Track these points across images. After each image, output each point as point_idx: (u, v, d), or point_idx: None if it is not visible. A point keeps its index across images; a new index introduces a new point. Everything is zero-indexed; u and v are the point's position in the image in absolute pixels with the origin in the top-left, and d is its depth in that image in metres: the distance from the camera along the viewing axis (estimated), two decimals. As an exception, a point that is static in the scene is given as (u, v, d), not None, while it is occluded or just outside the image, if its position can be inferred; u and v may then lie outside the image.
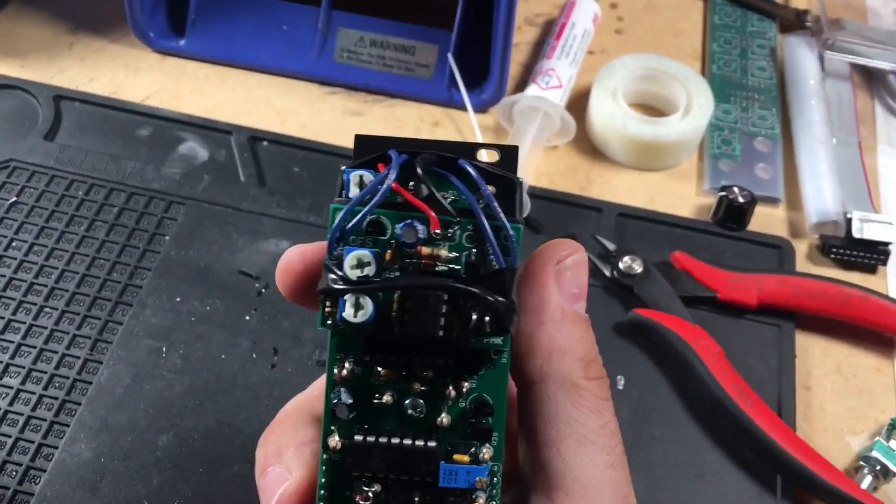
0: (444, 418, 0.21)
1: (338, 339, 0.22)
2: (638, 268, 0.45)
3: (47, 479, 0.38)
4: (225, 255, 0.46)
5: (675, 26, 0.61)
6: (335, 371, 0.22)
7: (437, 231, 0.21)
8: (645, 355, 0.43)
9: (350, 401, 0.21)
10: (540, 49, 0.57)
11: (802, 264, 0.48)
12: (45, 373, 0.41)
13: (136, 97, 0.53)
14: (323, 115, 0.54)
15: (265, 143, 0.51)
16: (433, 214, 0.20)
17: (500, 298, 0.20)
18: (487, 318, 0.20)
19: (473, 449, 0.22)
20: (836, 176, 0.50)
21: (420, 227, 0.20)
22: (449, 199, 0.21)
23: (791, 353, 0.43)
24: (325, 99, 0.55)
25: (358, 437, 0.21)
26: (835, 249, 0.47)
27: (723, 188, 0.48)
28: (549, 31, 0.57)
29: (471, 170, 0.21)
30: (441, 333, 0.20)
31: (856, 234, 0.47)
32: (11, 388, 0.40)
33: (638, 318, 0.43)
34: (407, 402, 0.22)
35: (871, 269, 0.48)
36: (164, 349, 0.42)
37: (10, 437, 0.39)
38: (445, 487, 0.21)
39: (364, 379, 0.22)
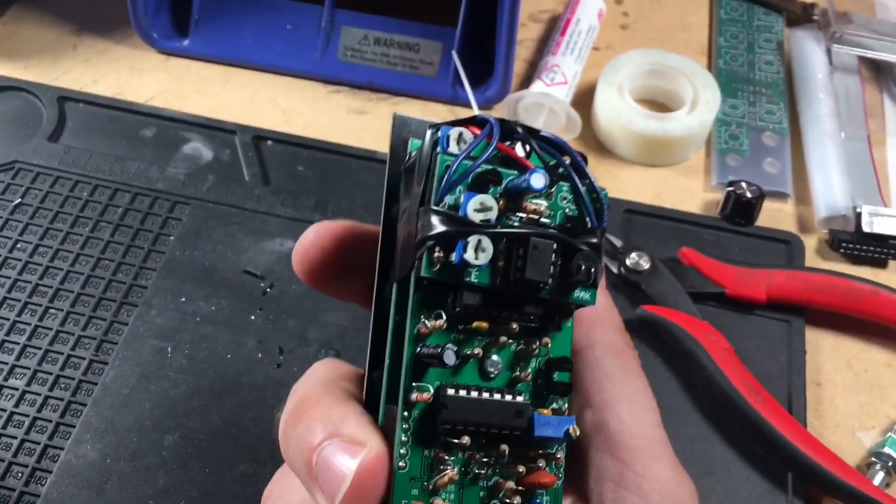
0: (527, 373, 0.22)
1: (422, 294, 0.21)
2: (645, 264, 0.44)
3: (53, 480, 0.38)
4: (230, 254, 0.45)
5: (681, 21, 0.60)
6: (419, 325, 0.21)
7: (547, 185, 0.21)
8: (653, 352, 0.43)
9: (455, 349, 0.21)
10: (545, 45, 0.56)
11: (812, 259, 0.47)
12: (51, 374, 0.41)
13: (140, 98, 0.53)
14: (327, 114, 0.53)
15: (269, 142, 0.51)
16: (541, 169, 0.21)
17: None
18: (590, 270, 0.21)
19: (554, 404, 0.22)
20: (845, 170, 0.49)
21: (544, 177, 0.21)
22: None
23: (801, 349, 0.43)
24: (330, 98, 0.54)
25: (450, 391, 0.21)
26: (844, 244, 0.47)
27: (730, 183, 0.48)
28: (554, 28, 0.57)
29: (556, 139, 0.22)
30: (550, 282, 0.21)
31: (865, 228, 0.46)
32: (17, 389, 0.40)
33: (646, 315, 0.43)
34: (488, 356, 0.22)
35: (881, 264, 0.47)
36: (169, 349, 0.42)
37: (15, 438, 0.39)
38: (540, 437, 0.21)
39: (449, 333, 0.22)
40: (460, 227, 0.20)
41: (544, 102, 0.51)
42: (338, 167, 0.50)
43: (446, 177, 0.21)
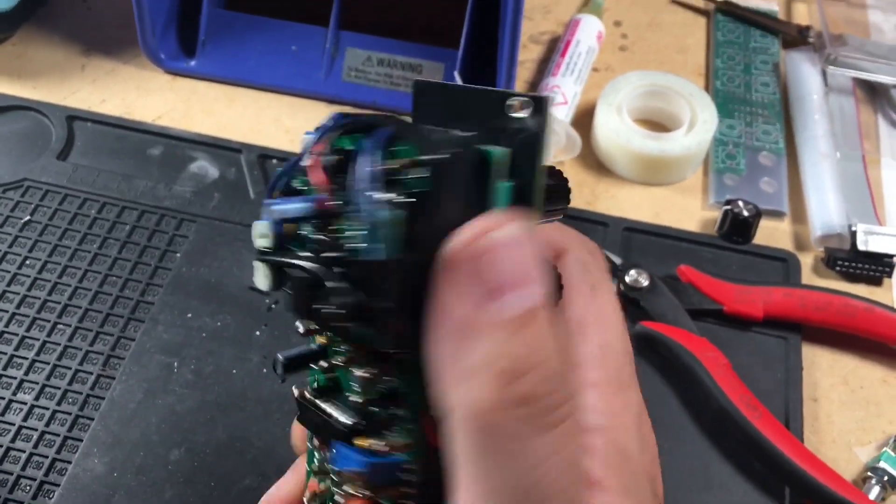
0: (368, 399, 0.21)
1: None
2: (644, 281, 0.45)
3: (61, 493, 0.38)
4: (235, 271, 0.46)
5: (679, 43, 0.61)
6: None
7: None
8: (652, 368, 0.43)
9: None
10: (545, 66, 0.57)
11: (808, 277, 0.48)
12: (59, 388, 0.42)
13: (147, 117, 0.54)
14: (331, 134, 0.54)
15: (274, 160, 0.52)
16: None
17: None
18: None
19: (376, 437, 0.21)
20: (841, 189, 0.50)
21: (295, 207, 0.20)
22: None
23: (798, 365, 0.44)
24: (334, 117, 0.55)
25: (306, 392, 0.22)
26: (840, 262, 0.48)
27: (728, 202, 0.48)
28: (554, 49, 0.58)
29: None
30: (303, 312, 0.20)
31: (861, 246, 0.47)
32: (26, 403, 0.41)
33: (645, 331, 0.44)
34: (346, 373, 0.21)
35: (876, 282, 0.48)
36: (175, 364, 0.43)
37: (24, 452, 0.39)
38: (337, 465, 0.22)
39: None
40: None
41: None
42: (341, 185, 0.51)
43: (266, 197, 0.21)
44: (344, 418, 0.21)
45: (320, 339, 0.22)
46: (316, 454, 0.23)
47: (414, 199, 0.17)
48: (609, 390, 0.20)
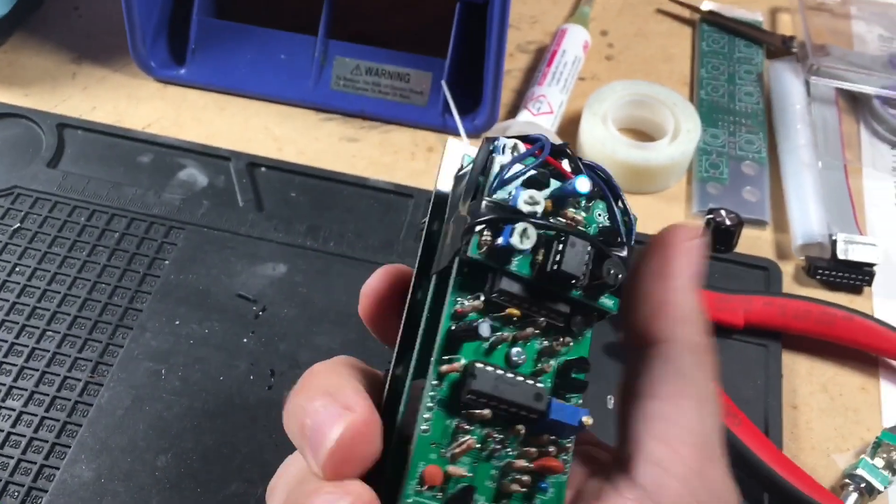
0: (550, 365, 0.24)
1: (461, 278, 0.23)
2: (627, 289, 0.46)
3: (49, 499, 0.39)
4: (223, 278, 0.47)
5: (664, 53, 0.62)
6: (457, 305, 0.23)
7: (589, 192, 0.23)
8: (634, 375, 0.44)
9: (490, 325, 0.23)
10: (531, 75, 0.58)
11: (789, 285, 0.49)
12: (48, 395, 0.42)
13: (137, 125, 0.55)
14: (320, 142, 0.55)
15: (263, 169, 0.52)
16: (586, 180, 0.23)
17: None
18: (617, 276, 0.23)
19: (571, 400, 0.24)
20: (822, 199, 0.51)
21: (589, 182, 0.23)
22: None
23: (778, 373, 0.44)
24: (322, 126, 0.56)
25: (479, 364, 0.22)
26: (820, 271, 0.48)
27: (710, 211, 0.49)
28: (541, 58, 0.58)
29: (597, 165, 0.24)
30: (581, 278, 0.23)
31: (841, 255, 0.48)
32: (14, 410, 0.41)
33: (627, 339, 0.44)
34: (515, 346, 0.23)
35: (856, 290, 0.49)
36: (163, 371, 0.43)
37: (12, 458, 0.40)
38: (554, 420, 0.23)
39: (483, 315, 0.23)
40: (510, 214, 0.22)
41: (530, 132, 0.52)
42: (330, 193, 0.51)
43: (500, 174, 0.23)
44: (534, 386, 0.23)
45: (512, 311, 0.23)
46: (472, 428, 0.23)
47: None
48: None
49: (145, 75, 0.58)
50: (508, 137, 0.24)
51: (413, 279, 0.25)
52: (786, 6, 0.65)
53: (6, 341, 0.44)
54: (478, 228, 0.22)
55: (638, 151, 0.52)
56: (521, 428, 0.23)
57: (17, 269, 0.47)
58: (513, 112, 0.56)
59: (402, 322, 0.25)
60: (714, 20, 0.63)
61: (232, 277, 0.47)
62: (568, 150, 0.24)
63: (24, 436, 0.41)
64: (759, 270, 0.49)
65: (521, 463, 0.23)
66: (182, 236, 0.48)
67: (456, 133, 0.54)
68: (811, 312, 0.45)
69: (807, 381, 0.45)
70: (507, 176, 0.23)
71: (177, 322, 0.45)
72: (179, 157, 0.53)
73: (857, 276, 0.48)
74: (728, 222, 0.48)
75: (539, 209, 0.22)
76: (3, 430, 0.41)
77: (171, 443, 0.41)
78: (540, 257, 0.23)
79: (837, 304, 0.46)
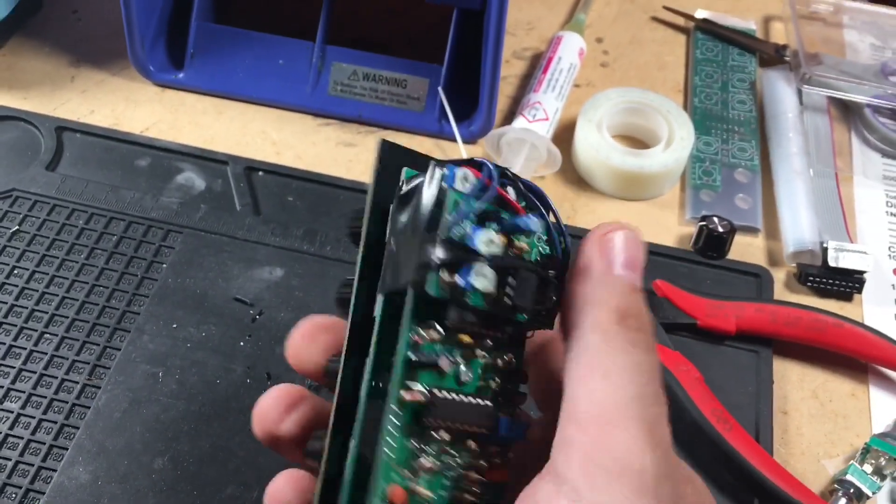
0: (495, 381, 0.25)
1: (415, 308, 0.24)
2: (620, 295, 0.46)
3: (46, 501, 0.39)
4: (220, 282, 0.47)
5: (658, 60, 0.63)
6: (412, 335, 0.24)
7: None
8: (627, 381, 0.44)
9: (448, 358, 0.24)
10: (527, 82, 0.59)
11: (780, 292, 0.49)
12: (45, 397, 0.42)
13: (135, 129, 0.55)
14: (317, 147, 0.55)
15: (260, 173, 0.53)
16: (525, 213, 0.25)
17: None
18: (554, 299, 0.25)
19: (512, 410, 0.26)
20: (813, 206, 0.52)
21: (539, 222, 0.25)
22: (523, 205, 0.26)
23: (769, 379, 0.45)
24: (319, 130, 0.56)
25: (438, 393, 0.24)
26: (811, 278, 0.49)
27: (703, 218, 0.50)
28: (537, 65, 0.59)
29: (535, 187, 0.26)
30: (530, 308, 0.24)
31: (832, 262, 0.48)
32: (12, 412, 0.42)
33: (620, 345, 0.45)
34: (462, 368, 0.25)
35: (846, 297, 0.49)
36: (160, 374, 0.43)
37: (10, 460, 0.40)
38: (504, 436, 0.25)
39: (439, 344, 0.25)
40: (469, 255, 0.23)
41: (526, 138, 0.53)
42: (326, 198, 0.52)
43: (457, 211, 0.24)
44: (481, 402, 0.25)
45: (464, 338, 0.25)
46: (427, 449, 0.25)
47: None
48: None
49: (144, 79, 0.58)
50: (457, 165, 0.25)
51: (356, 282, 0.26)
52: (779, 15, 0.66)
53: (4, 343, 0.44)
54: (436, 266, 0.23)
55: (632, 158, 0.52)
56: (472, 443, 0.25)
57: (15, 271, 0.47)
58: (509, 119, 0.57)
59: (349, 322, 0.26)
60: (708, 28, 0.64)
61: (229, 281, 0.47)
62: (509, 174, 0.25)
63: (22, 438, 0.41)
64: (751, 277, 0.49)
65: (474, 475, 0.25)
66: (179, 240, 0.49)
67: (453, 139, 0.54)
68: (802, 319, 0.46)
69: (797, 387, 0.46)
70: (463, 211, 0.24)
71: (174, 325, 0.45)
72: (177, 161, 0.53)
73: (848, 283, 0.49)
74: (720, 229, 0.49)
75: (496, 249, 0.24)
76: (0, 433, 0.41)
77: (168, 445, 0.41)
78: (494, 290, 0.24)
79: (828, 311, 0.46)
